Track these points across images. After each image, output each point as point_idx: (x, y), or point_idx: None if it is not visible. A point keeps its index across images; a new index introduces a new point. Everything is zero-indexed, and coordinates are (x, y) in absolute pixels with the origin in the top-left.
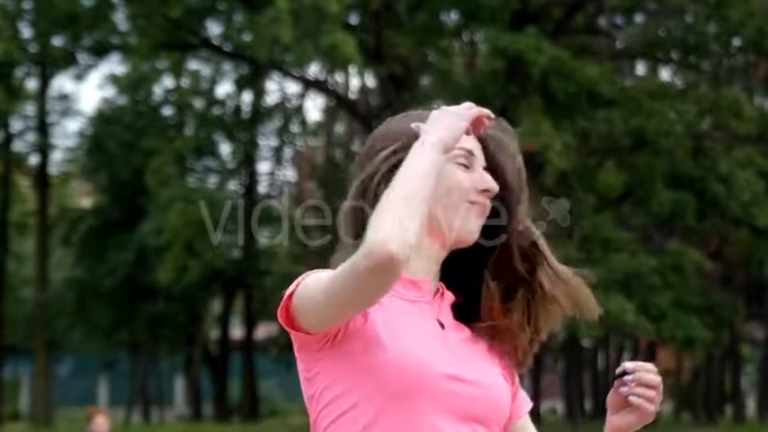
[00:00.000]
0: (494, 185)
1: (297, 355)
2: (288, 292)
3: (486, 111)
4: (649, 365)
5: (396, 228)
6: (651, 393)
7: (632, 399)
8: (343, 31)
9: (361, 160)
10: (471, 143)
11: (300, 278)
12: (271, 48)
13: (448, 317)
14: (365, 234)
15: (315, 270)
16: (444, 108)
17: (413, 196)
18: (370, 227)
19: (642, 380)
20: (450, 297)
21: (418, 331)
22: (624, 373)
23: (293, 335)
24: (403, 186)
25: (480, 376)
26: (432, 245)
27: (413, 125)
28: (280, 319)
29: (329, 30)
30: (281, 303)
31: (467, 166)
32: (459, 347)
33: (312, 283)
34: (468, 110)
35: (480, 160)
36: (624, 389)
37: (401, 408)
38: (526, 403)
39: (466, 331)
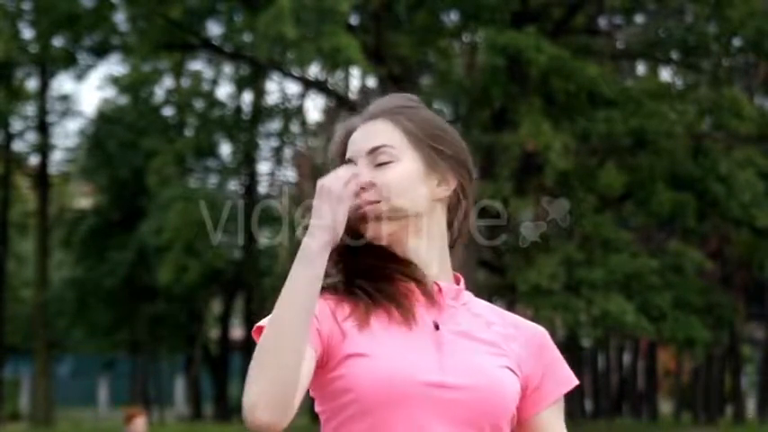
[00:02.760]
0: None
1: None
2: None
3: (361, 180)
4: None
5: (269, 389)
6: None
7: None
8: (347, 33)
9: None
10: (352, 148)
11: None
12: (272, 47)
13: (451, 313)
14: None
15: None
16: (321, 186)
17: (291, 338)
18: (248, 379)
19: None
20: (452, 291)
21: (400, 340)
22: None
23: None
24: (278, 327)
25: (467, 378)
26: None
27: (309, 207)
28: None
29: (332, 31)
30: None
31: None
32: (453, 347)
33: None
34: (346, 186)
35: (360, 154)
36: None
37: (377, 423)
38: (546, 397)
39: (477, 320)
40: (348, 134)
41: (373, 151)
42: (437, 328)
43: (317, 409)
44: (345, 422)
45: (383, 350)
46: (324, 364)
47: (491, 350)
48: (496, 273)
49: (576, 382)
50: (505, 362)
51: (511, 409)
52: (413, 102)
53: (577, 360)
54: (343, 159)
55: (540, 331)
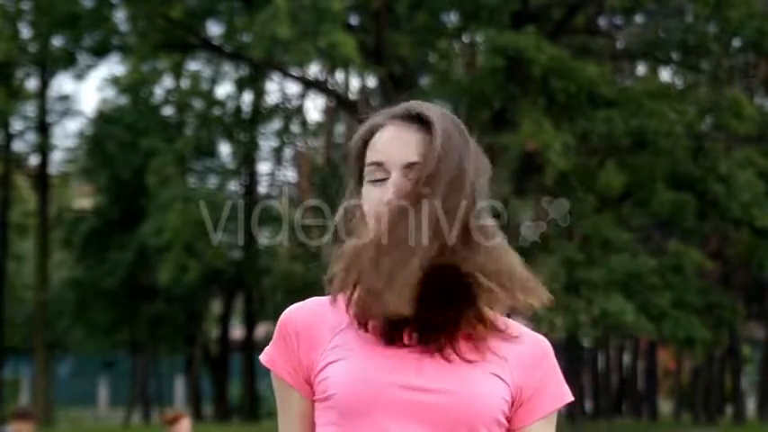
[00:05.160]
0: (388, 198)
1: None
2: None
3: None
4: None
5: None
6: None
7: None
8: (344, 31)
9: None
10: (383, 150)
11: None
12: (268, 46)
13: None
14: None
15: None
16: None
17: None
18: None
19: None
20: None
21: (377, 342)
22: None
23: None
24: None
25: (446, 382)
26: None
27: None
28: None
29: (329, 29)
30: None
31: (380, 180)
32: (431, 354)
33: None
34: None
35: (395, 164)
36: None
37: (352, 425)
38: (537, 410)
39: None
40: (372, 131)
41: (410, 166)
42: None
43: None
44: (327, 424)
45: (361, 352)
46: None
47: (476, 357)
48: None
49: (569, 398)
50: (495, 369)
51: (492, 415)
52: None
53: (577, 360)
54: (362, 156)
55: (542, 343)
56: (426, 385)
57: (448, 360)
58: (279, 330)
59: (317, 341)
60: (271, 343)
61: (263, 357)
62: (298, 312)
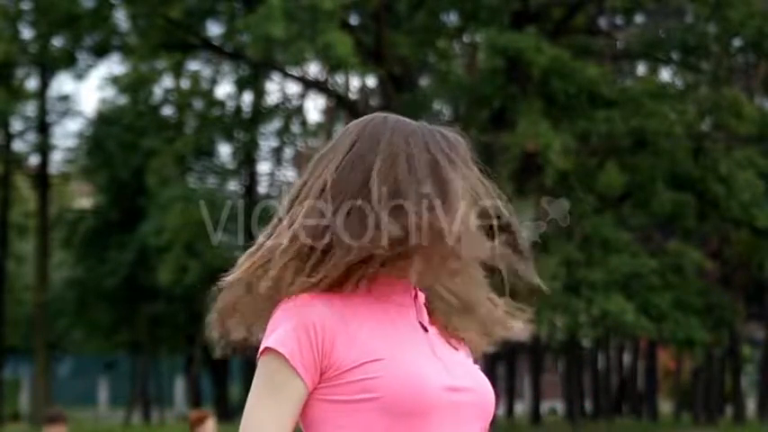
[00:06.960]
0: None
1: None
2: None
3: None
4: None
5: None
6: None
7: None
8: (341, 31)
9: (353, 161)
10: None
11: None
12: (265, 46)
13: (424, 316)
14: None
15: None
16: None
17: None
18: None
19: None
20: (422, 295)
21: (406, 341)
22: None
23: None
24: None
25: (470, 380)
26: None
27: None
28: None
29: (325, 28)
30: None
31: None
32: (443, 350)
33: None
34: None
35: None
36: None
37: (405, 428)
38: None
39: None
40: None
41: None
42: (426, 329)
43: (313, 412)
44: (360, 425)
45: (400, 351)
46: (326, 379)
47: (464, 351)
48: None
49: None
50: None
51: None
52: None
53: (577, 360)
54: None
55: None
56: (460, 384)
57: (456, 350)
58: (300, 322)
59: (337, 337)
60: (284, 333)
61: (282, 348)
62: (318, 307)
